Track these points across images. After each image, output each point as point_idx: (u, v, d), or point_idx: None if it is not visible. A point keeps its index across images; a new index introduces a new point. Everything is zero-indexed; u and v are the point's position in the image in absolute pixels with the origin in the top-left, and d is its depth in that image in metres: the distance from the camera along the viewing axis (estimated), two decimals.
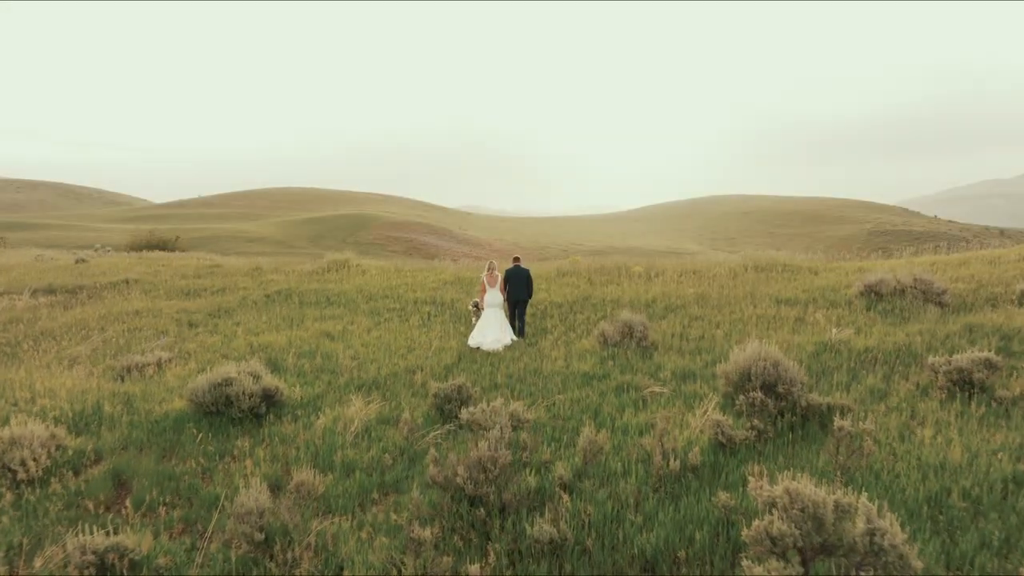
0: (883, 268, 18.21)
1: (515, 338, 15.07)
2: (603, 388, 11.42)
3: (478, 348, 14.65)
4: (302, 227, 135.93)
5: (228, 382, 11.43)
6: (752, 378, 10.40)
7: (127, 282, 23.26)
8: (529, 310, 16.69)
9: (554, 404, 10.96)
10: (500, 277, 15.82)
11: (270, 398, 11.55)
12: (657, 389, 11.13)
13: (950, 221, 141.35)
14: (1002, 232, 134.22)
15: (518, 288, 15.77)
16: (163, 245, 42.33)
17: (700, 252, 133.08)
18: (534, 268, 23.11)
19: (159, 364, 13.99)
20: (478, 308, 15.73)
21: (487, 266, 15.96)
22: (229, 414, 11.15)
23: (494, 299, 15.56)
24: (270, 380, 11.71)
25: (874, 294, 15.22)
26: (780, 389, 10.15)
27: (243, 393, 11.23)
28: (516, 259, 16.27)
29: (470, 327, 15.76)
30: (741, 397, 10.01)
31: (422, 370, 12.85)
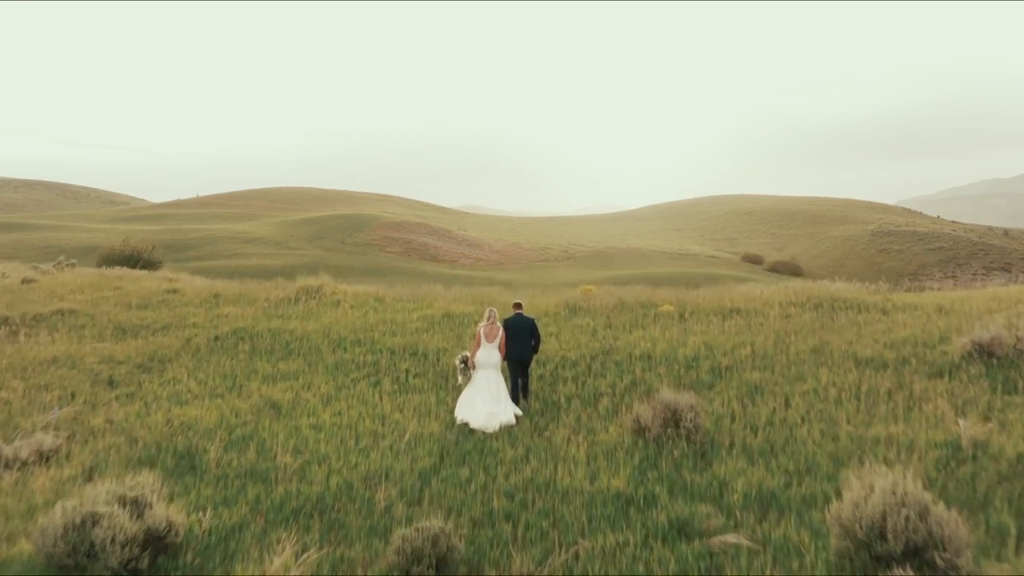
0: (976, 308, 14.37)
1: (518, 413, 11.22)
2: (647, 526, 7.56)
3: (466, 425, 10.84)
4: (300, 227, 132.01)
5: (94, 520, 7.56)
6: (888, 536, 6.60)
7: (61, 313, 19.37)
8: (536, 369, 12.80)
9: (577, 557, 7.13)
10: (502, 330, 11.96)
11: (158, 541, 7.70)
12: (731, 539, 7.27)
13: (953, 221, 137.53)
14: (1006, 232, 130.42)
15: (520, 343, 11.91)
16: (137, 256, 38.30)
17: (701, 253, 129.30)
18: (535, 303, 19.25)
19: (35, 459, 10.13)
20: (466, 365, 11.86)
21: (486, 314, 12.08)
22: (92, 571, 7.32)
23: (489, 358, 11.70)
24: (160, 513, 7.83)
25: (989, 356, 11.36)
26: (936, 558, 6.34)
27: (113, 540, 7.38)
28: (517, 306, 12.42)
29: (457, 391, 11.90)
30: None
31: (387, 478, 8.98)
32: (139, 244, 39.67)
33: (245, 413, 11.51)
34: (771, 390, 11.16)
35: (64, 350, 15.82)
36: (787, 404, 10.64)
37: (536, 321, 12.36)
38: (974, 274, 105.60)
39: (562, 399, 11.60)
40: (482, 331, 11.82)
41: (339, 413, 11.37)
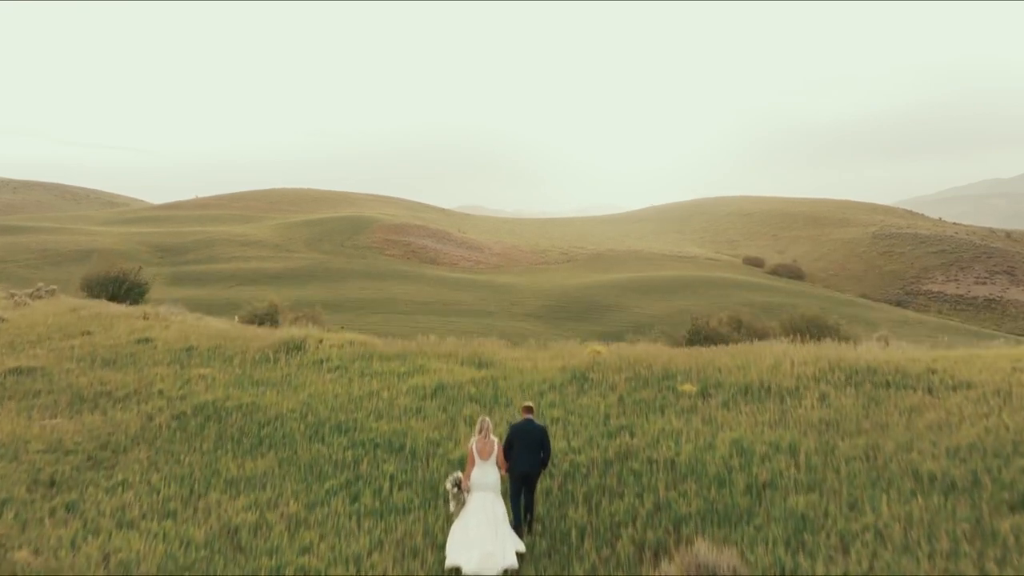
0: None
1: (519, 550, 9.31)
2: None
3: (458, 572, 8.96)
4: (299, 230, 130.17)
5: None
6: None
7: (18, 373, 17.42)
8: (542, 480, 10.81)
9: None
10: (498, 443, 10.04)
11: None
12: None
13: (955, 223, 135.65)
14: (1008, 235, 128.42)
15: (527, 455, 9.99)
16: (123, 278, 35.99)
17: (701, 255, 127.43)
18: (539, 367, 17.27)
19: None
20: (459, 489, 9.92)
21: (478, 425, 10.15)
22: None
23: (485, 478, 9.76)
24: None
25: None
26: None
27: None
28: (527, 410, 10.48)
29: (448, 520, 9.96)
30: None
31: None
32: (126, 265, 37.33)
33: (197, 546, 9.58)
34: (822, 525, 9.22)
35: (9, 431, 13.88)
36: (845, 550, 8.70)
37: (547, 430, 10.43)
38: (977, 278, 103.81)
39: (572, 531, 9.64)
40: (475, 447, 9.88)
41: (307, 550, 9.44)
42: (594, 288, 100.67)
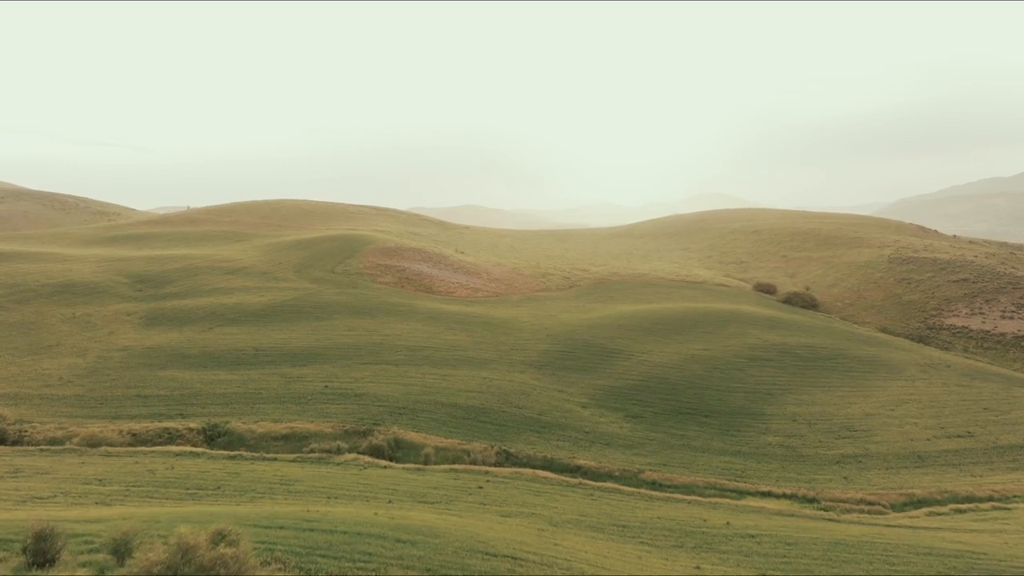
0: None
1: None
2: None
3: None
4: (289, 252, 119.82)
5: None
6: None
7: None
8: None
9: None
10: None
11: None
12: None
13: (971, 242, 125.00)
14: None
15: None
16: None
17: (709, 279, 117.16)
18: None
19: None
20: None
21: None
22: None
23: None
24: None
25: None
26: None
27: None
28: None
29: None
30: None
31: None
32: None
33: None
34: None
35: None
36: None
37: None
38: (1003, 311, 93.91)
39: None
40: None
41: None
42: (599, 327, 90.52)
